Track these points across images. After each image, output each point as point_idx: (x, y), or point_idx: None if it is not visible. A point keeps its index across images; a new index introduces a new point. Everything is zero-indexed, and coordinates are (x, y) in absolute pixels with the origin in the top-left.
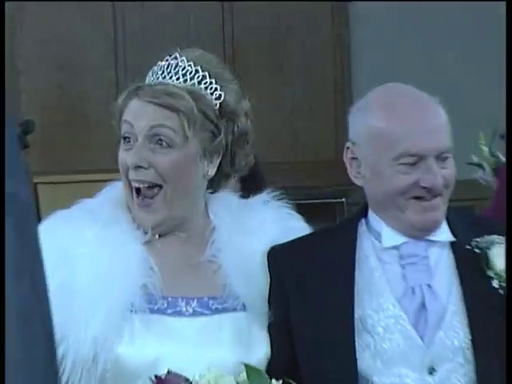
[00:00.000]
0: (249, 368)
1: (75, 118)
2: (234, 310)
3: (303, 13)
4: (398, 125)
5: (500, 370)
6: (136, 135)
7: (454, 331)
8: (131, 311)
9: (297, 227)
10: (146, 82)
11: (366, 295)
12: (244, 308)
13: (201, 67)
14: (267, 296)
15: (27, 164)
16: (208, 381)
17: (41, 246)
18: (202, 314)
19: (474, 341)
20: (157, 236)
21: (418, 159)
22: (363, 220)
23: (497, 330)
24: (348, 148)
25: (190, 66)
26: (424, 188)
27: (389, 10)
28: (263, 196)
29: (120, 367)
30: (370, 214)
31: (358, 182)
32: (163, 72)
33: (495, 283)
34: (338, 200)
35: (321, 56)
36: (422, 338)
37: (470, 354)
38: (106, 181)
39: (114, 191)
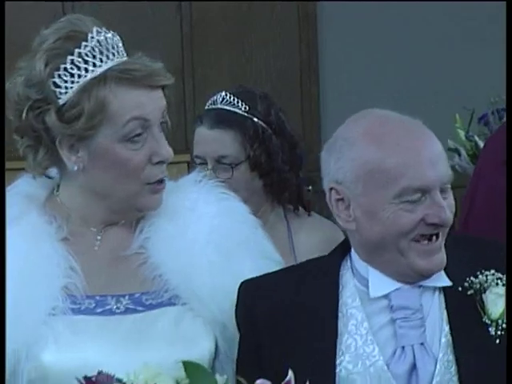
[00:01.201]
0: (188, 364)
1: None
2: (172, 304)
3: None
4: (395, 158)
5: None
6: (150, 128)
7: None
8: (53, 315)
9: (234, 207)
10: (108, 65)
11: (351, 352)
12: (182, 301)
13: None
14: (212, 287)
15: None
16: (145, 381)
17: None
18: (134, 310)
19: None
20: (98, 236)
21: (422, 194)
22: (346, 260)
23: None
24: (332, 189)
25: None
26: (431, 225)
27: None
28: (194, 175)
29: (46, 376)
30: (357, 261)
31: (348, 226)
32: (110, 49)
33: (492, 331)
34: (306, 188)
35: (286, 34)
36: None
37: None
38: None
39: (24, 186)
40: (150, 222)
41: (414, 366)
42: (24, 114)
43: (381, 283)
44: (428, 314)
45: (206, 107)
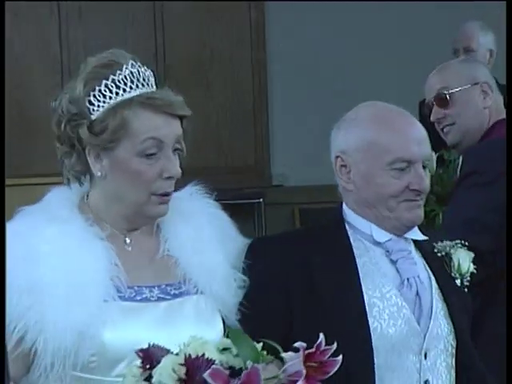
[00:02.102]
0: (232, 332)
1: (27, 129)
2: (191, 293)
3: (225, 39)
4: (390, 135)
5: (474, 356)
6: (164, 149)
7: (438, 321)
8: (106, 301)
9: (217, 214)
10: (136, 92)
11: (369, 285)
12: (199, 292)
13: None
14: (221, 279)
15: None
16: (194, 349)
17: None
18: (164, 299)
19: (454, 330)
20: (128, 240)
21: (408, 165)
22: (344, 225)
23: (467, 319)
24: (337, 157)
25: (149, 71)
26: (414, 191)
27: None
28: (188, 189)
29: (105, 352)
30: (353, 217)
31: (348, 186)
32: (140, 80)
33: (458, 282)
34: (256, 200)
35: (241, 79)
36: (419, 325)
37: (448, 343)
38: (50, 184)
39: (66, 193)
40: (169, 225)
41: (417, 295)
42: (63, 125)
43: (381, 233)
44: (415, 259)
45: None
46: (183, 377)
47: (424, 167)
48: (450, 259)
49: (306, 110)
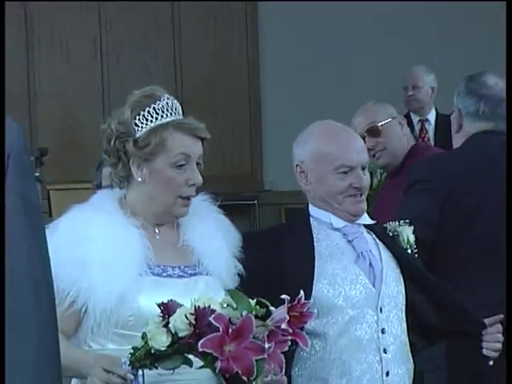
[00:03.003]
0: (231, 291)
1: (74, 144)
2: (203, 274)
3: (227, 74)
4: (336, 147)
5: (422, 306)
6: (191, 162)
7: (388, 284)
8: (140, 275)
9: (221, 217)
10: (171, 118)
11: (333, 261)
12: (208, 274)
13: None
14: (224, 264)
15: (41, 177)
16: (202, 302)
17: (45, 232)
18: (183, 276)
19: (405, 290)
20: (156, 230)
21: (349, 169)
22: (309, 217)
23: (418, 282)
24: (297, 165)
25: (177, 103)
26: (355, 188)
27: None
28: (200, 197)
29: (140, 314)
30: (315, 211)
31: (306, 188)
32: (173, 109)
33: (409, 250)
34: (252, 202)
35: (240, 103)
36: (374, 288)
37: (398, 300)
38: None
39: (109, 193)
40: (187, 223)
41: (370, 265)
42: (112, 142)
43: (338, 221)
44: (367, 239)
45: None
46: (193, 322)
47: (363, 169)
48: (399, 235)
49: (294, 132)
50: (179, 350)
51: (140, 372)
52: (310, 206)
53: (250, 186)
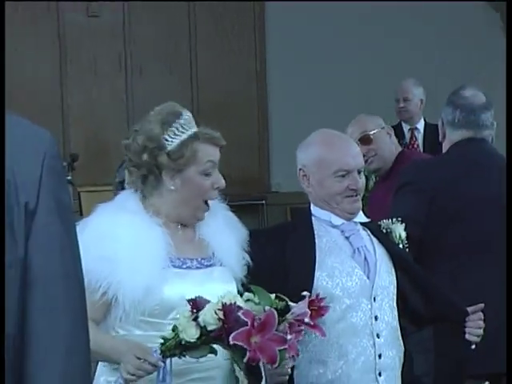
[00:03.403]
0: (255, 287)
1: (101, 151)
2: (217, 265)
3: (235, 91)
4: (334, 153)
5: (412, 295)
6: (215, 168)
7: (381, 276)
8: (163, 268)
9: (229, 214)
10: (195, 130)
11: (331, 255)
12: (222, 265)
13: None
14: (234, 256)
15: (73, 180)
16: (228, 299)
17: (76, 230)
18: (200, 267)
19: (396, 281)
20: (179, 227)
21: (346, 173)
22: (311, 216)
23: (408, 274)
24: (300, 169)
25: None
26: (352, 189)
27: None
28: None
29: (164, 303)
30: (316, 210)
31: (308, 189)
32: (192, 122)
33: (401, 245)
34: (260, 202)
35: (249, 114)
36: (369, 279)
37: (390, 290)
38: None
39: (131, 195)
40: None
41: (365, 259)
42: (144, 155)
43: (337, 219)
44: (363, 236)
45: None
46: (222, 317)
47: (359, 172)
48: (392, 232)
49: (298, 139)
50: (206, 341)
51: (168, 360)
52: (312, 205)
53: (259, 188)
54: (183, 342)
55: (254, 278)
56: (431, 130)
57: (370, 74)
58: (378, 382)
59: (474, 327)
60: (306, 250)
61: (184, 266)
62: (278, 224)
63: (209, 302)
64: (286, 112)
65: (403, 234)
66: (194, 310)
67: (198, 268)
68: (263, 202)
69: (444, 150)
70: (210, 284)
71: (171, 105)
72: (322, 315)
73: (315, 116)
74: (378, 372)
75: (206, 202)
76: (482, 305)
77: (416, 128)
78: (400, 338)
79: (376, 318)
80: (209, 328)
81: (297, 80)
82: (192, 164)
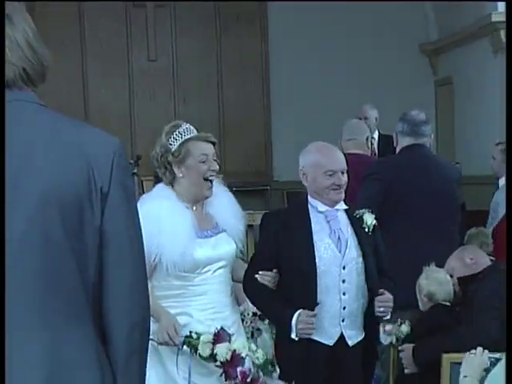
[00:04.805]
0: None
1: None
2: (221, 232)
3: (241, 101)
4: (324, 158)
5: (374, 269)
6: (209, 157)
7: (351, 249)
8: (192, 237)
9: (230, 195)
10: (190, 135)
11: (316, 233)
12: (225, 231)
13: None
14: (233, 224)
15: (138, 172)
16: (239, 348)
17: (138, 209)
18: (211, 236)
19: (362, 254)
20: (194, 207)
21: (333, 173)
22: (307, 203)
23: (372, 250)
24: (301, 170)
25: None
26: (337, 185)
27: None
28: (216, 183)
29: (195, 262)
30: (310, 199)
31: (306, 184)
32: (190, 130)
33: (366, 230)
34: (266, 187)
35: (251, 101)
36: (340, 253)
37: (358, 261)
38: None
39: (164, 185)
40: (208, 200)
41: (339, 238)
42: (159, 159)
43: (322, 206)
44: (342, 220)
45: None
46: (228, 359)
47: (342, 173)
48: (362, 218)
49: (295, 144)
50: (212, 360)
51: (186, 347)
52: (309, 196)
53: (265, 178)
54: (197, 349)
55: (264, 252)
56: (384, 139)
57: (370, 74)
58: (340, 325)
59: (378, 306)
60: (305, 229)
61: (203, 236)
62: (284, 208)
63: (229, 335)
64: (286, 125)
65: (369, 221)
66: (215, 338)
67: (211, 236)
68: (268, 187)
69: (397, 152)
70: (220, 246)
71: (175, 121)
72: None
73: (309, 128)
74: (341, 319)
75: (206, 180)
76: (391, 297)
77: (373, 137)
78: (363, 295)
79: (343, 281)
80: (217, 358)
81: (297, 93)
82: (190, 156)
